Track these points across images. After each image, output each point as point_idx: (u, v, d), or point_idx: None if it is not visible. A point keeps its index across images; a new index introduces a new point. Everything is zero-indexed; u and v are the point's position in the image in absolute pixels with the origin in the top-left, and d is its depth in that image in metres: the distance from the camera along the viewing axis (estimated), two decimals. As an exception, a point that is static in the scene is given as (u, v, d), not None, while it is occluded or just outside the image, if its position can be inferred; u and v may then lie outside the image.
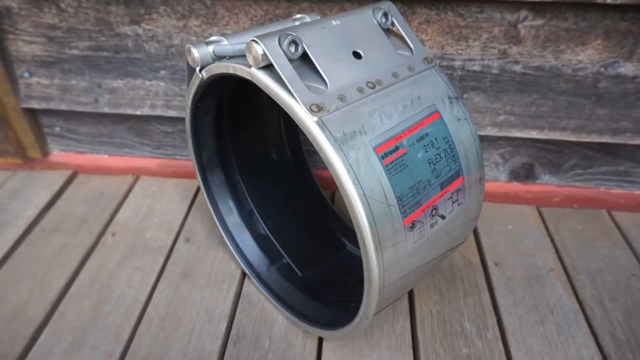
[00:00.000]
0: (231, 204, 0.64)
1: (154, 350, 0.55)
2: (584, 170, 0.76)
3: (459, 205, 0.46)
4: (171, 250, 0.68)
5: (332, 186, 0.80)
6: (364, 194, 0.37)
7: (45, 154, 0.83)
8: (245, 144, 0.65)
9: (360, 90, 0.40)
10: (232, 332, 0.58)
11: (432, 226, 0.43)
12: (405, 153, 0.40)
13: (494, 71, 0.65)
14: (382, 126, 0.40)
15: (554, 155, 0.75)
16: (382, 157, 0.39)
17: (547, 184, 0.78)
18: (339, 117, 0.38)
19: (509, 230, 0.74)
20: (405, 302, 0.62)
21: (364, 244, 0.38)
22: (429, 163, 0.42)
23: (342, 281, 0.61)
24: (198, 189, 0.79)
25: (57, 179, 0.81)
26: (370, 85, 0.41)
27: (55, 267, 0.65)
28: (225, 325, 0.58)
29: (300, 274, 0.63)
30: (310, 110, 0.37)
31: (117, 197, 0.78)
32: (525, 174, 0.78)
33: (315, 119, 0.37)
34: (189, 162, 0.81)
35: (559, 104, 0.68)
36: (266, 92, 0.39)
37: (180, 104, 0.73)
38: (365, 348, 0.56)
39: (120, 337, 0.56)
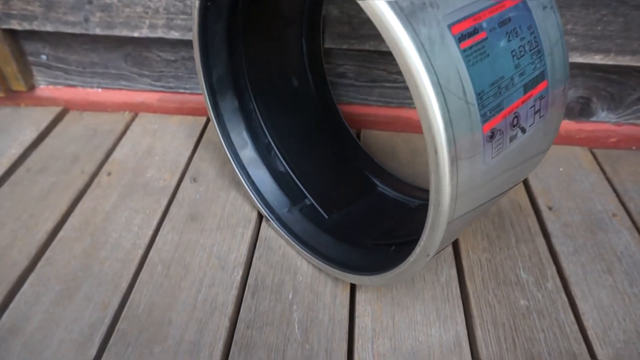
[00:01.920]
0: (245, 135, 0.55)
1: (158, 300, 0.47)
2: (649, 105, 0.66)
3: (540, 117, 0.36)
4: (176, 191, 0.59)
5: (357, 124, 0.70)
6: (439, 83, 0.27)
7: (31, 87, 0.73)
8: (262, 65, 0.55)
9: (429, -50, 0.29)
10: (250, 281, 0.49)
11: (511, 140, 0.34)
12: (486, 38, 0.31)
13: (560, -23, 0.54)
14: (458, 0, 0.30)
15: (615, 87, 0.65)
16: (459, 40, 0.29)
17: (604, 121, 0.68)
18: (404, -19, 0.28)
19: (560, 173, 0.65)
20: (449, 250, 0.53)
21: (436, 152, 0.28)
22: (513, 56, 0.32)
23: (375, 225, 0.53)
24: (205, 126, 0.70)
25: (45, 115, 0.71)
26: (441, -54, 0.30)
27: (43, 209, 0.56)
28: (240, 273, 0.49)
29: (326, 216, 0.54)
30: (367, -32, 0.27)
31: (113, 135, 0.68)
32: (579, 109, 0.68)
33: (374, -21, 0.27)
34: (194, 96, 0.71)
35: (632, 21, 0.57)
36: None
37: (184, 23, 0.62)
38: (405, 299, 0.48)
39: (118, 286, 0.48)
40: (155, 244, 0.53)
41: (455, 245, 0.54)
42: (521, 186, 0.62)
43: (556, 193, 0.62)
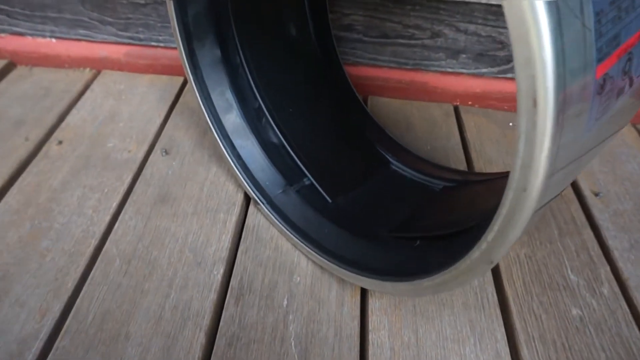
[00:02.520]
0: (230, 95, 0.43)
1: (113, 308, 0.36)
2: None
3: (648, 68, 0.25)
4: (143, 165, 0.48)
5: (364, 90, 0.59)
6: (551, -12, 0.16)
7: (-31, 36, 0.60)
8: (250, 6, 0.43)
9: None
10: (233, 282, 0.38)
11: (618, 95, 0.23)
12: None
13: None
14: None
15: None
16: None
17: (654, 93, 0.58)
18: None
19: (603, 152, 0.55)
20: (481, 243, 0.43)
21: (535, 103, 0.17)
22: (635, -34, 0.21)
23: (392, 212, 0.42)
24: (182, 89, 0.58)
25: (-14, 71, 0.59)
26: None
27: (-28, 184, 0.45)
28: (221, 271, 0.39)
29: (330, 200, 0.43)
30: None
31: (69, 96, 0.56)
32: (627, 77, 0.57)
33: None
34: (170, 51, 0.59)
35: None
36: None
37: (153, -45, 0.50)
38: (430, 307, 0.38)
39: (61, 287, 0.37)
40: (113, 232, 0.42)
41: (489, 237, 0.44)
42: (561, 167, 0.52)
43: (601, 176, 0.52)
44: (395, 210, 0.42)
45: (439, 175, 0.45)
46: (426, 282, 0.28)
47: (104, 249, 0.40)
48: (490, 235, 0.22)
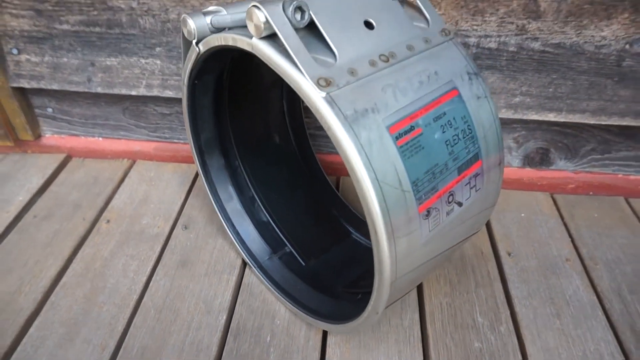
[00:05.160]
0: (231, 189, 0.61)
1: (150, 344, 0.52)
2: (601, 156, 0.72)
3: (476, 191, 0.42)
4: (168, 238, 0.65)
5: (336, 172, 0.77)
6: (377, 179, 0.33)
7: (38, 136, 0.80)
8: (246, 126, 0.61)
9: (372, 63, 0.36)
10: (232, 325, 0.55)
11: (448, 214, 0.40)
12: (421, 134, 0.37)
13: (511, 49, 0.61)
14: (396, 103, 0.36)
15: (570, 140, 0.72)
16: (396, 138, 0.35)
17: (562, 169, 0.75)
18: (350, 93, 0.34)
19: (522, 218, 0.71)
20: (414, 294, 0.59)
21: (376, 233, 0.34)
22: (447, 145, 0.38)
23: (348, 272, 0.58)
24: (197, 174, 0.76)
25: (50, 162, 0.78)
26: (383, 58, 0.37)
27: (48, 255, 0.62)
28: (224, 317, 0.55)
29: (303, 263, 0.60)
30: (318, 84, 0.33)
31: (112, 182, 0.74)
32: (539, 159, 0.74)
33: (323, 94, 0.33)
34: (187, 146, 0.78)
35: (579, 84, 0.64)
36: (269, 64, 0.35)
37: (177, 83, 0.69)
38: (372, 342, 0.53)
39: (114, 329, 0.54)
40: (149, 289, 0.58)
41: (420, 290, 0.59)
42: (484, 232, 0.68)
43: (516, 239, 0.67)
44: (350, 271, 0.59)
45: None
46: (351, 324, 0.44)
47: (142, 302, 0.57)
48: (372, 298, 0.39)
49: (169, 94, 0.70)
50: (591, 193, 0.75)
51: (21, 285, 0.58)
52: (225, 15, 0.40)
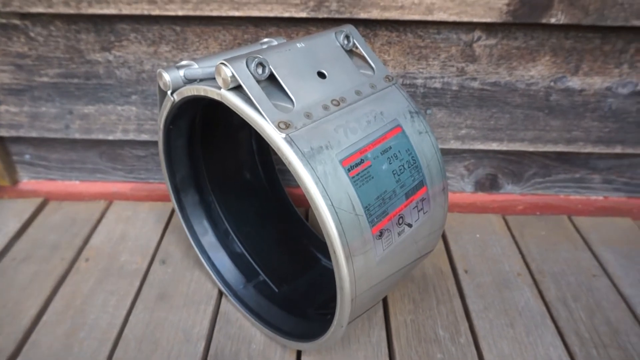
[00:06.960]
0: (206, 224, 0.65)
1: (132, 374, 0.55)
2: (543, 179, 0.80)
3: (424, 213, 0.48)
4: (147, 273, 0.68)
5: (305, 203, 0.82)
6: (333, 205, 0.39)
7: (15, 182, 0.82)
8: (219, 164, 0.66)
9: (325, 107, 0.42)
10: (211, 352, 0.58)
11: (399, 234, 0.45)
12: (370, 165, 0.43)
13: (454, 88, 0.69)
14: (348, 140, 0.42)
15: (515, 166, 0.79)
16: (349, 170, 0.41)
17: (511, 193, 0.82)
18: (306, 133, 0.40)
19: (477, 239, 0.77)
20: (380, 312, 0.63)
21: (334, 253, 0.39)
22: (394, 174, 0.44)
23: (318, 295, 0.63)
24: (172, 212, 0.80)
25: (27, 207, 0.80)
26: (334, 102, 0.43)
27: (27, 296, 0.64)
28: (203, 345, 0.58)
29: (276, 290, 0.64)
30: (279, 127, 0.39)
31: (90, 223, 0.77)
32: (489, 184, 0.81)
33: (284, 135, 0.39)
34: (163, 185, 0.82)
35: (516, 116, 0.72)
36: (236, 112, 0.41)
37: (152, 127, 0.74)
38: (342, 359, 0.57)
39: (96, 363, 0.56)
40: (129, 322, 0.61)
41: (386, 308, 0.64)
42: (443, 252, 0.74)
43: (472, 257, 0.73)
44: (320, 294, 0.63)
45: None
46: (319, 341, 0.48)
47: (123, 335, 0.59)
48: (337, 313, 0.43)
49: (144, 137, 0.75)
50: (538, 213, 0.82)
51: (1, 326, 0.60)
52: (197, 69, 0.46)
